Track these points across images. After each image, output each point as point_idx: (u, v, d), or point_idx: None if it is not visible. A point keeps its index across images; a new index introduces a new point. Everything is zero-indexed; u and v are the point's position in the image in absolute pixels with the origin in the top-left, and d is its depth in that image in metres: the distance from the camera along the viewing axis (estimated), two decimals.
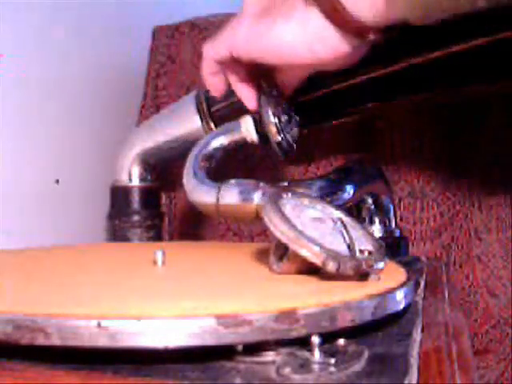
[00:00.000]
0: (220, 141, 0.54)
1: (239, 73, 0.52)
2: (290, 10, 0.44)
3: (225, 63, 0.51)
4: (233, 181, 0.49)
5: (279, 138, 0.51)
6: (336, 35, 0.43)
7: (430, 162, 0.75)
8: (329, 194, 0.52)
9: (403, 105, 0.71)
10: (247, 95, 0.53)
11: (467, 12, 0.37)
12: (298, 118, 0.54)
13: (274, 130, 0.51)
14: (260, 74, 0.52)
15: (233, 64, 0.51)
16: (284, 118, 0.52)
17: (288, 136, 0.52)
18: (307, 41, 0.44)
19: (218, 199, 0.48)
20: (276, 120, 0.51)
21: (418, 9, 0.38)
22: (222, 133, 0.55)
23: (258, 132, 0.53)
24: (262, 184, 0.47)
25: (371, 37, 0.43)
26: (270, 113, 0.50)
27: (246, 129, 0.53)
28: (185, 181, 0.52)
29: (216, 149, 0.54)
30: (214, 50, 0.50)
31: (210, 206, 0.49)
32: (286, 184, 0.52)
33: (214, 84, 0.53)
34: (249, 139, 0.53)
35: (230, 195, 0.48)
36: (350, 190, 0.54)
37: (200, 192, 0.50)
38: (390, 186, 0.63)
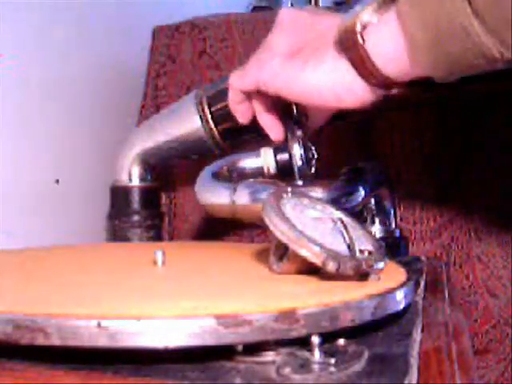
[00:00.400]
0: (245, 163, 0.55)
1: (264, 103, 0.53)
2: (320, 57, 0.46)
3: (251, 94, 0.53)
4: (248, 181, 0.49)
5: (300, 163, 0.52)
6: (363, 87, 0.44)
7: (430, 162, 0.75)
8: (345, 194, 0.52)
9: (403, 105, 0.71)
10: (271, 125, 0.54)
11: (486, 71, 0.40)
12: (315, 153, 0.55)
13: (298, 156, 0.51)
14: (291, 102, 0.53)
15: (258, 95, 0.52)
16: (305, 146, 0.53)
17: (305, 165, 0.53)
18: (335, 89, 0.45)
19: (233, 201, 0.48)
20: (302, 149, 0.52)
21: (440, 69, 0.40)
22: (247, 157, 0.56)
23: (276, 162, 0.54)
24: (279, 183, 0.48)
25: (395, 90, 0.45)
26: (297, 140, 0.52)
27: (266, 159, 0.54)
28: (198, 181, 0.53)
29: (238, 168, 0.54)
30: (241, 81, 0.52)
31: (225, 207, 0.49)
32: (300, 183, 0.52)
33: (241, 112, 0.55)
34: (266, 169, 0.54)
35: (246, 196, 0.48)
36: (363, 192, 0.54)
37: (214, 192, 0.50)
38: (393, 188, 0.63)
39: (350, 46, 0.43)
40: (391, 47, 0.42)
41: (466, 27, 0.37)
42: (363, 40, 0.42)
